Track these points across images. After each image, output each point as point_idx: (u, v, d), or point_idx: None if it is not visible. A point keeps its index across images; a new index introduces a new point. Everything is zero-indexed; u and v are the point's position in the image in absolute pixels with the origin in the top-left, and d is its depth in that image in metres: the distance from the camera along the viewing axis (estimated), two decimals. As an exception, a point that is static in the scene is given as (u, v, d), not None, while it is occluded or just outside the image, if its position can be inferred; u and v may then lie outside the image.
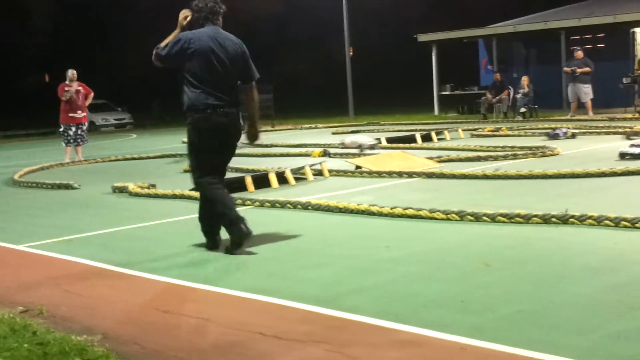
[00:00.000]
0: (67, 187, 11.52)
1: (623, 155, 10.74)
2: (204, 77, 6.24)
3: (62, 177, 12.72)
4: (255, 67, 6.51)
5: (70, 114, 16.27)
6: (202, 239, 6.74)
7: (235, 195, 9.31)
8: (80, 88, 16.39)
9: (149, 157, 16.49)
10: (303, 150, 15.49)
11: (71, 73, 16.29)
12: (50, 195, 11.11)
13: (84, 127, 16.60)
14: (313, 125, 25.75)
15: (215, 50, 6.25)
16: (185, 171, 12.80)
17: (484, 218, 6.88)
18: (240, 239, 6.25)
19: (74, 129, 16.35)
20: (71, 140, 16.45)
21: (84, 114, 16.53)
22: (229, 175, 11.33)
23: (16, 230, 8.26)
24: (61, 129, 16.58)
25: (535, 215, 6.70)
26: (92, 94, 16.84)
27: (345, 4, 29.30)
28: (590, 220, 6.45)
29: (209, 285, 5.31)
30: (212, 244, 6.51)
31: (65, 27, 54.10)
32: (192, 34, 6.34)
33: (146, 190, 9.99)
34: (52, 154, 18.44)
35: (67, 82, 16.26)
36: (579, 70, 20.96)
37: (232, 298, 4.99)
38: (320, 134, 21.35)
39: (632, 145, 10.93)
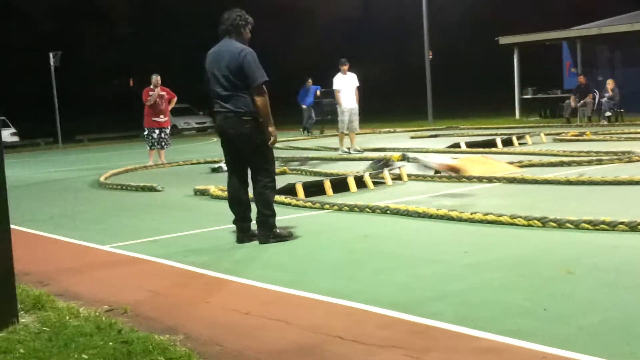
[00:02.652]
0: (151, 189, 11.78)
1: None
2: (211, 86, 7.10)
3: (146, 180, 13.01)
4: (261, 72, 6.92)
5: (154, 118, 16.69)
6: (281, 241, 7.01)
7: (314, 198, 9.38)
8: (163, 93, 16.80)
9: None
10: (382, 154, 15.45)
11: (155, 79, 16.71)
12: (134, 197, 11.38)
13: (167, 131, 17.00)
14: (392, 129, 25.66)
15: (215, 62, 7.04)
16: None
17: (568, 225, 6.73)
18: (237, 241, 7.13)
19: (157, 132, 16.75)
20: (155, 143, 16.85)
21: (167, 118, 16.94)
22: (308, 178, 11.50)
23: (101, 230, 8.49)
24: (145, 133, 17.04)
25: (622, 223, 6.52)
26: (175, 99, 17.27)
27: (425, 7, 29.13)
28: (679, 228, 6.25)
29: (288, 287, 5.35)
30: (241, 236, 7.16)
31: (148, 32, 55.42)
32: (208, 52, 7.20)
33: (226, 193, 10.10)
34: (136, 156, 18.92)
35: (151, 87, 16.70)
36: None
37: (311, 301, 5.02)
38: (399, 138, 21.26)
39: None
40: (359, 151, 16.54)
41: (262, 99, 6.89)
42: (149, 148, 17.03)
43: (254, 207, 7.21)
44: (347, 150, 16.54)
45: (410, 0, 32.69)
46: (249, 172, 7.23)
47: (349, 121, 16.72)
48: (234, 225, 7.27)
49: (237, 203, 7.20)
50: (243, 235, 7.16)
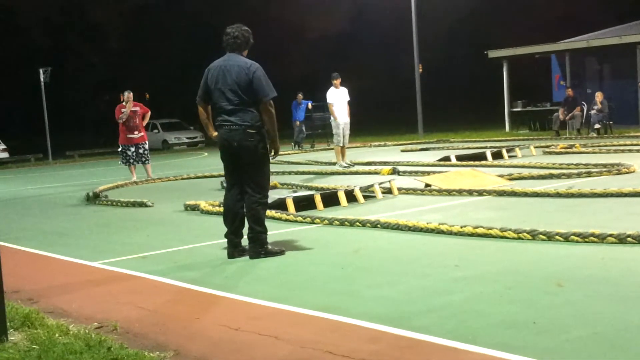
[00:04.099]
0: (141, 205, 11.76)
1: None
2: (215, 100, 7.14)
3: (136, 195, 12.99)
4: (270, 87, 7.05)
5: (128, 135, 16.52)
6: (272, 256, 6.96)
7: (304, 213, 9.39)
8: (136, 109, 16.64)
9: (220, 175, 16.63)
10: (372, 168, 15.50)
11: (127, 95, 16.45)
12: (124, 213, 11.36)
13: (145, 146, 16.81)
14: (382, 143, 25.73)
15: (221, 76, 7.08)
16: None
17: (557, 237, 6.76)
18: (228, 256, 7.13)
19: (132, 149, 16.60)
20: (130, 160, 16.69)
21: (142, 133, 16.74)
22: (299, 192, 11.49)
23: (91, 247, 8.47)
24: (119, 149, 16.90)
25: (611, 235, 6.54)
26: (149, 113, 17.05)
27: (415, 21, 29.27)
28: (668, 240, 6.27)
29: (278, 303, 5.34)
30: (232, 251, 7.19)
31: (140, 47, 55.49)
32: (209, 67, 7.25)
33: (217, 209, 10.12)
34: (126, 172, 18.85)
35: (123, 103, 16.48)
36: (656, 85, 20.52)
37: (300, 316, 5.01)
38: (389, 152, 21.31)
39: None
40: (350, 165, 16.56)
41: (271, 114, 7.05)
42: (124, 164, 16.93)
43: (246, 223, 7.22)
44: (346, 165, 16.50)
45: (400, 14, 32.83)
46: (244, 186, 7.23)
47: (343, 135, 16.72)
48: (224, 240, 7.28)
49: (233, 216, 7.22)
50: (234, 250, 7.17)
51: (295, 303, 5.28)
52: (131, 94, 16.52)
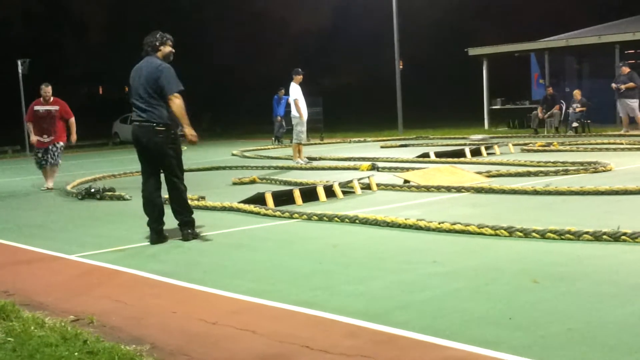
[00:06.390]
0: (119, 198, 11.70)
1: None
2: (131, 97, 7.75)
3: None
4: (176, 83, 7.57)
5: (38, 138, 13.83)
6: (250, 250, 7.05)
7: (283, 208, 9.39)
8: (54, 108, 13.91)
9: (198, 169, 16.61)
10: (351, 163, 15.51)
11: (44, 89, 13.79)
12: (102, 205, 11.29)
13: (57, 145, 13.94)
14: (362, 139, 25.74)
15: (137, 75, 7.72)
16: (234, 183, 12.93)
17: (534, 234, 6.81)
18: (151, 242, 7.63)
19: (42, 150, 13.92)
20: (42, 162, 14.02)
21: (52, 137, 13.88)
22: (278, 187, 11.49)
23: (68, 240, 8.41)
24: (34, 150, 14.48)
25: (586, 232, 6.60)
26: (72, 119, 14.01)
27: (396, 17, 29.30)
28: (643, 238, 6.33)
29: (256, 297, 5.34)
30: (155, 237, 7.71)
31: (119, 39, 55.12)
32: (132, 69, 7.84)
33: (196, 202, 10.09)
34: (104, 165, 18.80)
35: (40, 99, 13.91)
36: (623, 86, 20.85)
37: (278, 311, 5.02)
38: (369, 148, 21.34)
39: None
40: (309, 161, 16.54)
41: (177, 103, 7.50)
42: (38, 168, 14.34)
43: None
44: (307, 161, 16.45)
45: (381, 11, 32.89)
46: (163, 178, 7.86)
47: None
48: (203, 234, 7.29)
49: (152, 206, 7.75)
50: (157, 236, 7.68)
51: (273, 298, 5.28)
52: (49, 87, 13.86)
